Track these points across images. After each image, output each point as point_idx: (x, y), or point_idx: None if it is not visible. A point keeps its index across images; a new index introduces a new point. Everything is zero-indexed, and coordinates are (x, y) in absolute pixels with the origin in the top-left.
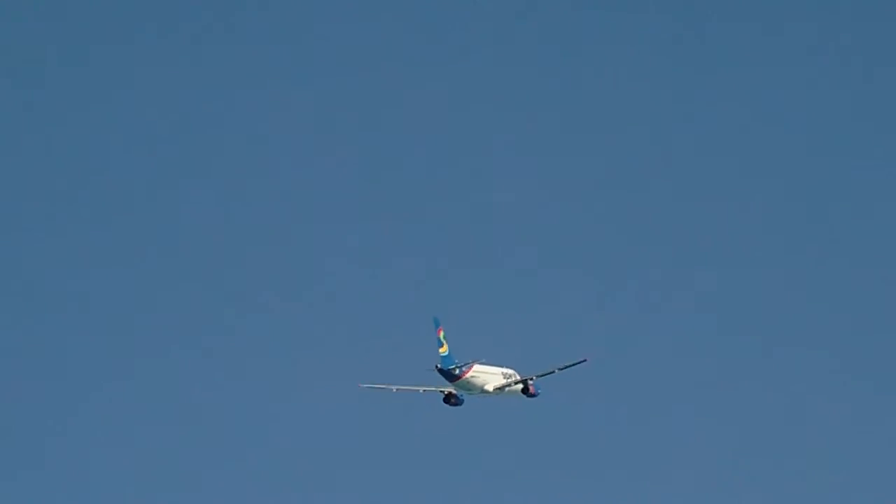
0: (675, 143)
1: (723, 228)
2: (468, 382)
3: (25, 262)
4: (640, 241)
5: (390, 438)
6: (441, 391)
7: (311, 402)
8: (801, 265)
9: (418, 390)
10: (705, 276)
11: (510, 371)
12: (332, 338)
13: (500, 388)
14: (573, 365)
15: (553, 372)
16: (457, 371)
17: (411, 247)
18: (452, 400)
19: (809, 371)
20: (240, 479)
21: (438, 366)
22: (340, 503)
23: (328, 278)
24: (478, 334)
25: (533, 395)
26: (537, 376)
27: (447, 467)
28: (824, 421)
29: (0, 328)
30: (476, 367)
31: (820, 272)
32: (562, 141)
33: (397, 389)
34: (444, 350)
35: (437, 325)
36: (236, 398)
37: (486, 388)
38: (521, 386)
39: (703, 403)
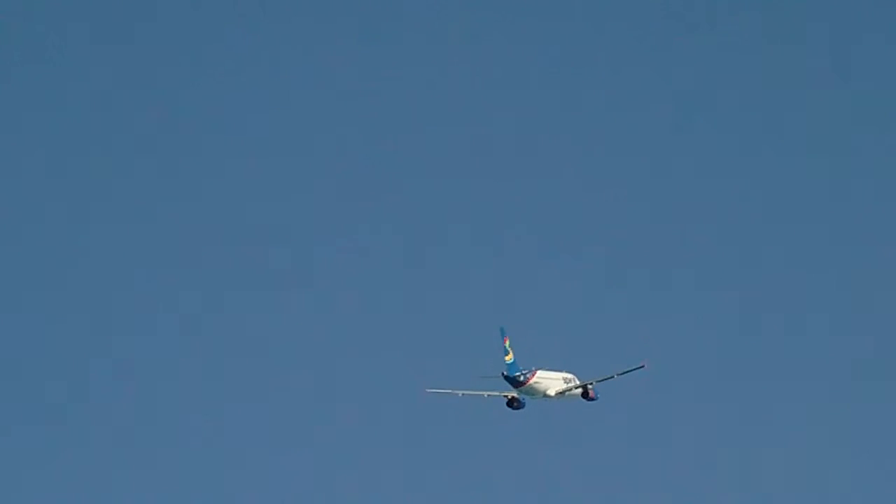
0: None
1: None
2: (532, 388)
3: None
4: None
5: (458, 440)
6: (504, 395)
7: (380, 406)
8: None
9: (483, 395)
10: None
11: (570, 376)
12: (399, 344)
13: (561, 393)
14: (631, 370)
15: (612, 377)
16: (521, 378)
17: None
18: (515, 404)
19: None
20: (308, 481)
21: (504, 373)
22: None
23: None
24: (538, 339)
25: (592, 399)
26: (597, 381)
27: (511, 467)
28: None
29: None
30: (539, 373)
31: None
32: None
33: (462, 394)
34: (509, 358)
35: (503, 334)
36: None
37: (549, 392)
38: (580, 390)
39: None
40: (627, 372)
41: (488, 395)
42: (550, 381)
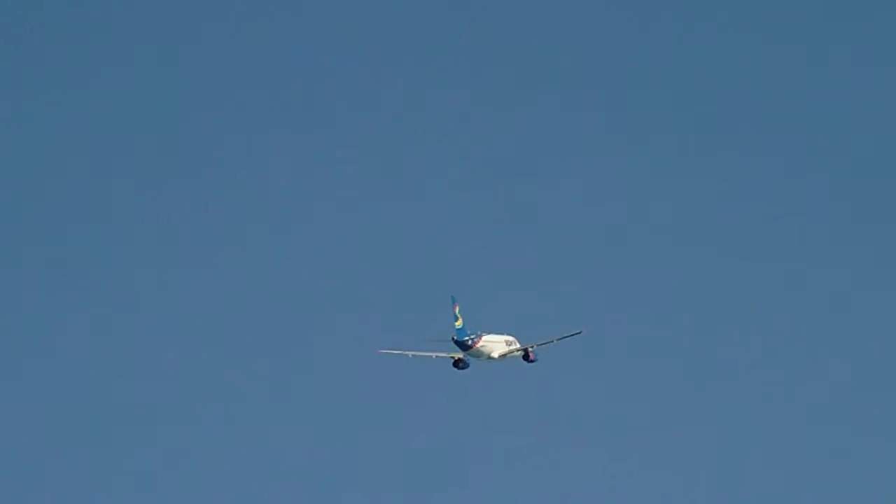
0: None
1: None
2: (478, 351)
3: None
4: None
5: (409, 397)
6: (451, 357)
7: (335, 367)
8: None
9: (431, 356)
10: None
11: (511, 338)
12: (355, 309)
13: (504, 355)
14: (569, 336)
15: (552, 341)
16: (469, 342)
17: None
18: (461, 364)
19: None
20: (267, 445)
21: (454, 337)
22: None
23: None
24: (484, 305)
25: (532, 361)
26: (537, 345)
27: (457, 423)
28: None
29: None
30: (484, 337)
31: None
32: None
33: (413, 355)
34: (459, 324)
35: (453, 301)
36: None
37: (493, 354)
38: (522, 353)
39: (684, 382)
40: (566, 337)
41: (436, 357)
42: (494, 345)
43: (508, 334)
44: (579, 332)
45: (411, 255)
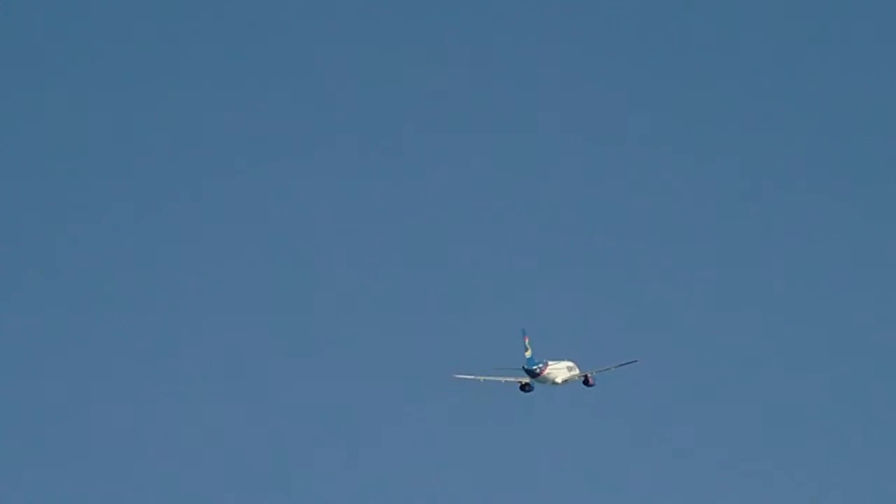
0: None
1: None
2: (544, 378)
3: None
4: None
5: (482, 416)
6: (518, 381)
7: (412, 391)
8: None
9: (501, 381)
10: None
11: (572, 363)
12: (432, 336)
13: (566, 381)
14: (626, 364)
15: (609, 369)
16: (537, 370)
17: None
18: (526, 388)
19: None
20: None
21: (525, 366)
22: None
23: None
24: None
25: (591, 385)
26: (597, 371)
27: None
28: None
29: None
30: (550, 364)
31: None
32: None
33: (484, 380)
34: (528, 353)
35: (523, 333)
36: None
37: (557, 380)
38: (582, 378)
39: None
40: (623, 365)
41: (505, 381)
42: (558, 371)
43: (569, 360)
44: (635, 361)
45: (475, 283)
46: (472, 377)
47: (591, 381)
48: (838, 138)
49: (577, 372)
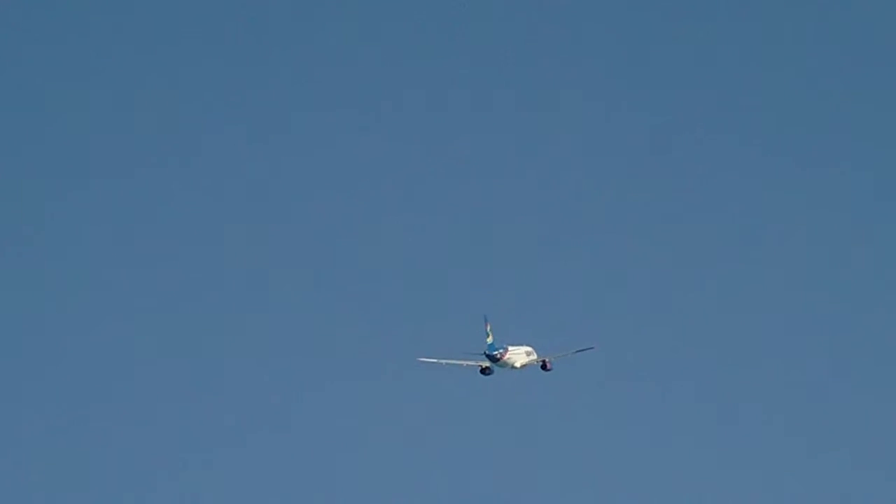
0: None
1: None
2: (504, 362)
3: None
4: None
5: (443, 397)
6: (479, 365)
7: (376, 373)
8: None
9: (461, 364)
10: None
11: (530, 349)
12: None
13: (525, 365)
14: (583, 350)
15: (566, 355)
16: (497, 355)
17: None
18: (486, 372)
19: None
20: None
21: (486, 351)
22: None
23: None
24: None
25: (549, 370)
26: (554, 357)
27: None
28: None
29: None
30: (509, 349)
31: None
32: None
33: (447, 363)
34: (490, 339)
35: (486, 320)
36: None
37: (516, 364)
38: (540, 363)
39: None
40: (580, 351)
41: (466, 365)
42: (517, 356)
43: (527, 345)
44: (592, 348)
45: (437, 267)
46: (436, 360)
47: (548, 365)
48: (838, 138)
49: (535, 357)
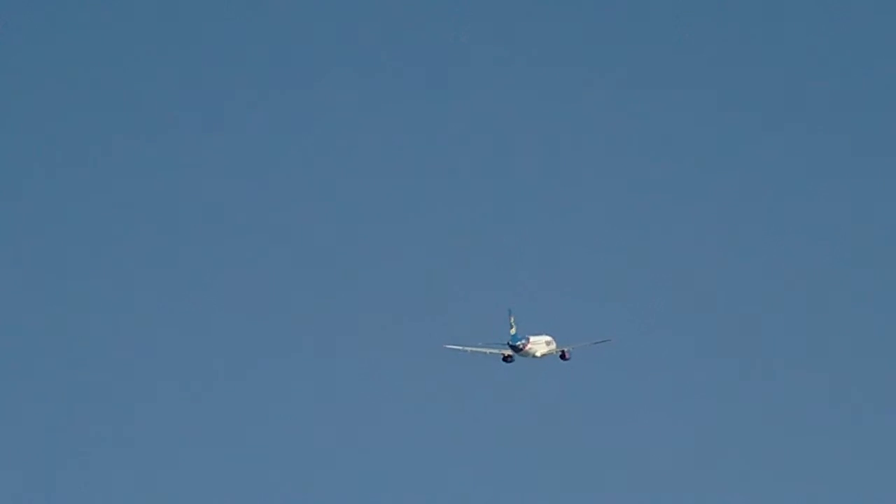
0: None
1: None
2: (526, 352)
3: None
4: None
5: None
6: (501, 353)
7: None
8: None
9: (486, 352)
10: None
11: (550, 338)
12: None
13: (545, 354)
14: (600, 342)
15: (584, 345)
16: (520, 345)
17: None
18: (508, 359)
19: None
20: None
21: (509, 342)
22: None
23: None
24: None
25: (566, 359)
26: (573, 347)
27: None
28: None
29: None
30: (531, 339)
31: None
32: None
33: (471, 351)
34: (513, 331)
35: (510, 313)
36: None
37: (536, 354)
38: (560, 353)
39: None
40: (597, 343)
41: (489, 353)
42: (538, 346)
43: (547, 335)
44: (608, 341)
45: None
46: (461, 348)
47: (567, 355)
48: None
49: (554, 346)
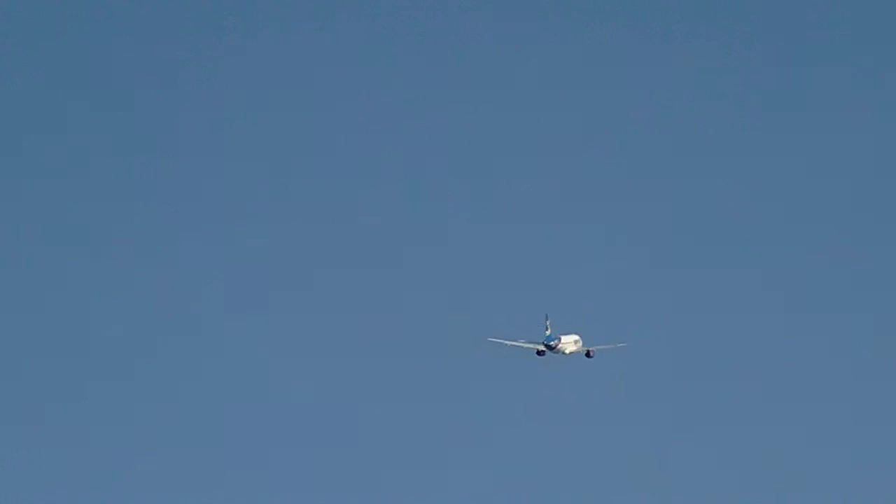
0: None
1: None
2: (557, 350)
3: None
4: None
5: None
6: (536, 348)
7: (448, 352)
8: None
9: (523, 346)
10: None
11: (577, 337)
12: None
13: (573, 352)
14: (616, 346)
15: (604, 348)
16: (554, 345)
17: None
18: (541, 353)
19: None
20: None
21: (544, 341)
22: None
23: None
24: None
25: (591, 357)
26: (597, 348)
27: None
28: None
29: None
30: (562, 338)
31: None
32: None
33: (510, 344)
34: (548, 332)
35: (546, 318)
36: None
37: (566, 351)
38: (586, 351)
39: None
40: (616, 347)
41: (525, 346)
42: (567, 345)
43: (575, 334)
44: (623, 345)
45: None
46: (502, 341)
47: (591, 353)
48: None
49: (581, 345)
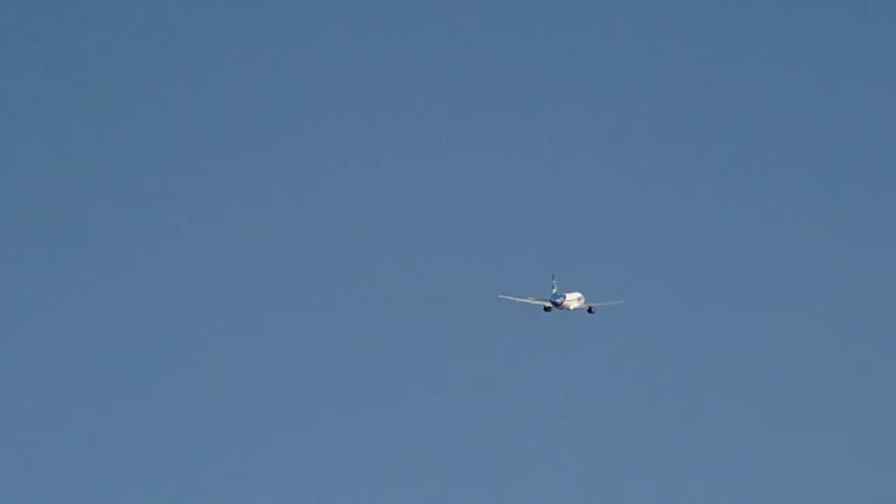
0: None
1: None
2: (563, 306)
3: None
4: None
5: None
6: (543, 305)
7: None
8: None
9: (531, 302)
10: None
11: (580, 295)
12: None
13: (577, 308)
14: (614, 303)
15: (603, 305)
16: (560, 302)
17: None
18: (547, 310)
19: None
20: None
21: (550, 298)
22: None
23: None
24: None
25: (592, 312)
26: (598, 305)
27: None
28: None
29: None
30: (567, 296)
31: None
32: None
33: (520, 301)
34: (555, 290)
35: (552, 277)
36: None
37: (570, 307)
38: (588, 307)
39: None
40: (614, 304)
41: (533, 303)
42: (572, 302)
43: (578, 292)
44: (622, 302)
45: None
46: (512, 298)
47: (593, 309)
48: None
49: (584, 302)
